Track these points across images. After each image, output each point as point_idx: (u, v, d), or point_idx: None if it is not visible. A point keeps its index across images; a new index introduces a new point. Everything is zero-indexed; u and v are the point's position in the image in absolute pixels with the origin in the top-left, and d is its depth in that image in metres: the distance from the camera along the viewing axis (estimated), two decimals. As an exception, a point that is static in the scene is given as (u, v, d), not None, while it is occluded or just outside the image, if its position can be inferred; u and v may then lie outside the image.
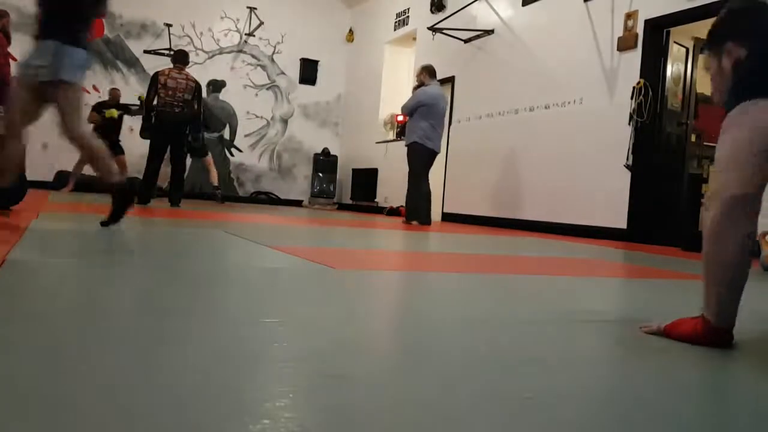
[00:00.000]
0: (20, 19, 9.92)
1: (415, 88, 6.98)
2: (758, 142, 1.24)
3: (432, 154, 6.73)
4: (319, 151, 11.73)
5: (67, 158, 8.67)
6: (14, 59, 6.14)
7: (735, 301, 1.27)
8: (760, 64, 1.31)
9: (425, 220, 6.76)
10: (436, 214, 9.05)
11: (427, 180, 6.84)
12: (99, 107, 8.91)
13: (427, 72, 6.83)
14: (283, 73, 11.72)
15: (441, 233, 5.69)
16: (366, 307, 1.68)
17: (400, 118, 10.81)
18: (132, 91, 9.85)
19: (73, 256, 2.25)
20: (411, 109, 6.70)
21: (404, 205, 7.22)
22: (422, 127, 6.59)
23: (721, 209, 1.24)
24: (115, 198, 3.14)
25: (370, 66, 11.45)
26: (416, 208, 6.72)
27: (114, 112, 8.69)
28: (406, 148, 6.84)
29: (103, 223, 3.14)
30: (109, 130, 8.53)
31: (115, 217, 3.14)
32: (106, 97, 9.27)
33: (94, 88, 9.94)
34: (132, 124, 9.47)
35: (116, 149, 8.75)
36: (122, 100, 9.08)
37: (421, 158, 6.67)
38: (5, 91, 5.34)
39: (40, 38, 2.98)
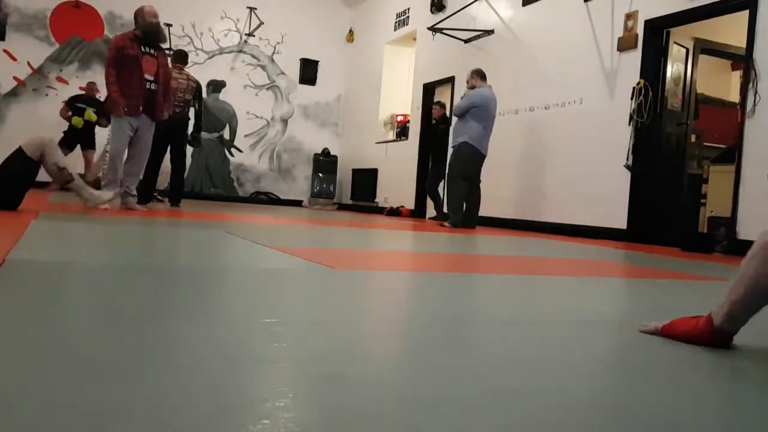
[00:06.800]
0: (20, 20, 9.94)
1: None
2: None
3: (482, 158, 6.65)
4: (319, 151, 11.73)
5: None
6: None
7: (752, 313, 1.27)
8: None
9: (469, 223, 6.69)
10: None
11: (478, 183, 6.75)
12: (72, 101, 8.90)
13: (478, 75, 6.75)
14: (283, 73, 11.72)
15: (440, 233, 5.68)
16: (366, 307, 1.68)
17: (400, 118, 10.82)
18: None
19: (72, 256, 2.25)
20: (464, 110, 6.61)
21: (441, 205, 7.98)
22: (474, 128, 6.52)
23: None
24: None
25: (370, 66, 11.45)
26: (458, 209, 6.66)
27: (92, 116, 8.65)
28: (451, 150, 6.81)
29: None
30: (86, 127, 8.70)
31: None
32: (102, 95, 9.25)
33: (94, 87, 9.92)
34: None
35: (89, 143, 8.88)
36: None
37: (467, 160, 6.58)
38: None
39: None
